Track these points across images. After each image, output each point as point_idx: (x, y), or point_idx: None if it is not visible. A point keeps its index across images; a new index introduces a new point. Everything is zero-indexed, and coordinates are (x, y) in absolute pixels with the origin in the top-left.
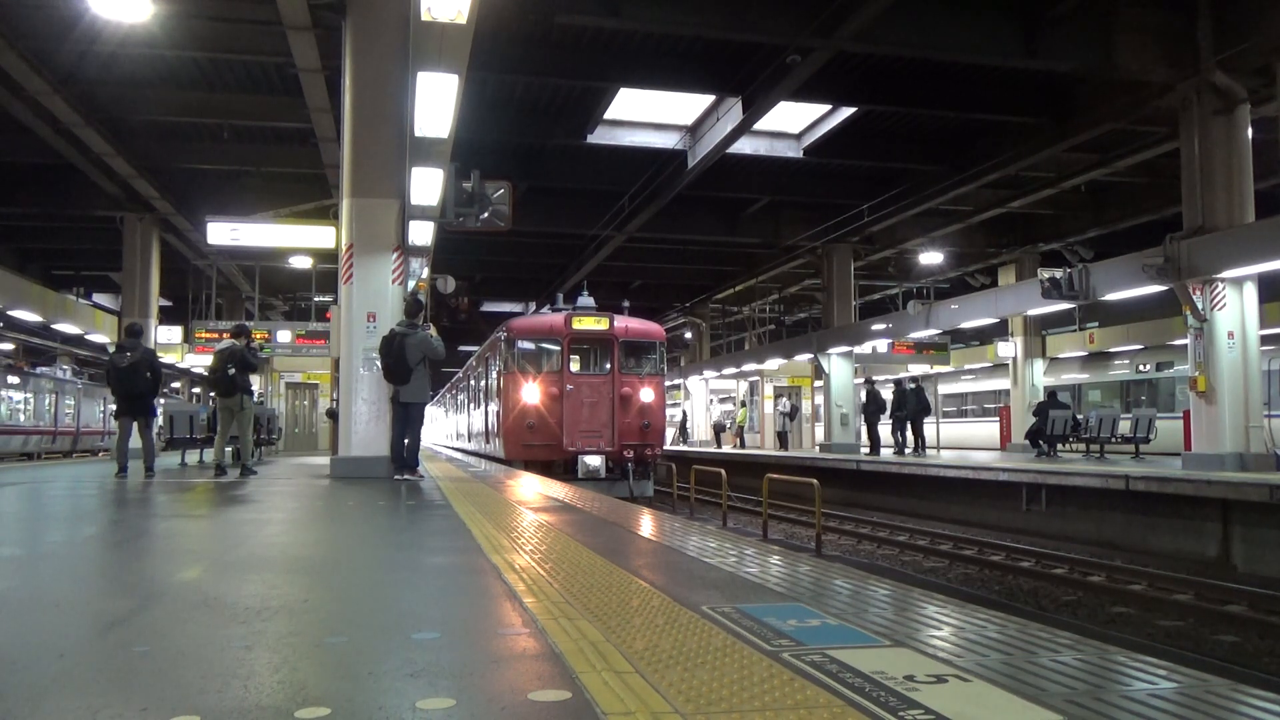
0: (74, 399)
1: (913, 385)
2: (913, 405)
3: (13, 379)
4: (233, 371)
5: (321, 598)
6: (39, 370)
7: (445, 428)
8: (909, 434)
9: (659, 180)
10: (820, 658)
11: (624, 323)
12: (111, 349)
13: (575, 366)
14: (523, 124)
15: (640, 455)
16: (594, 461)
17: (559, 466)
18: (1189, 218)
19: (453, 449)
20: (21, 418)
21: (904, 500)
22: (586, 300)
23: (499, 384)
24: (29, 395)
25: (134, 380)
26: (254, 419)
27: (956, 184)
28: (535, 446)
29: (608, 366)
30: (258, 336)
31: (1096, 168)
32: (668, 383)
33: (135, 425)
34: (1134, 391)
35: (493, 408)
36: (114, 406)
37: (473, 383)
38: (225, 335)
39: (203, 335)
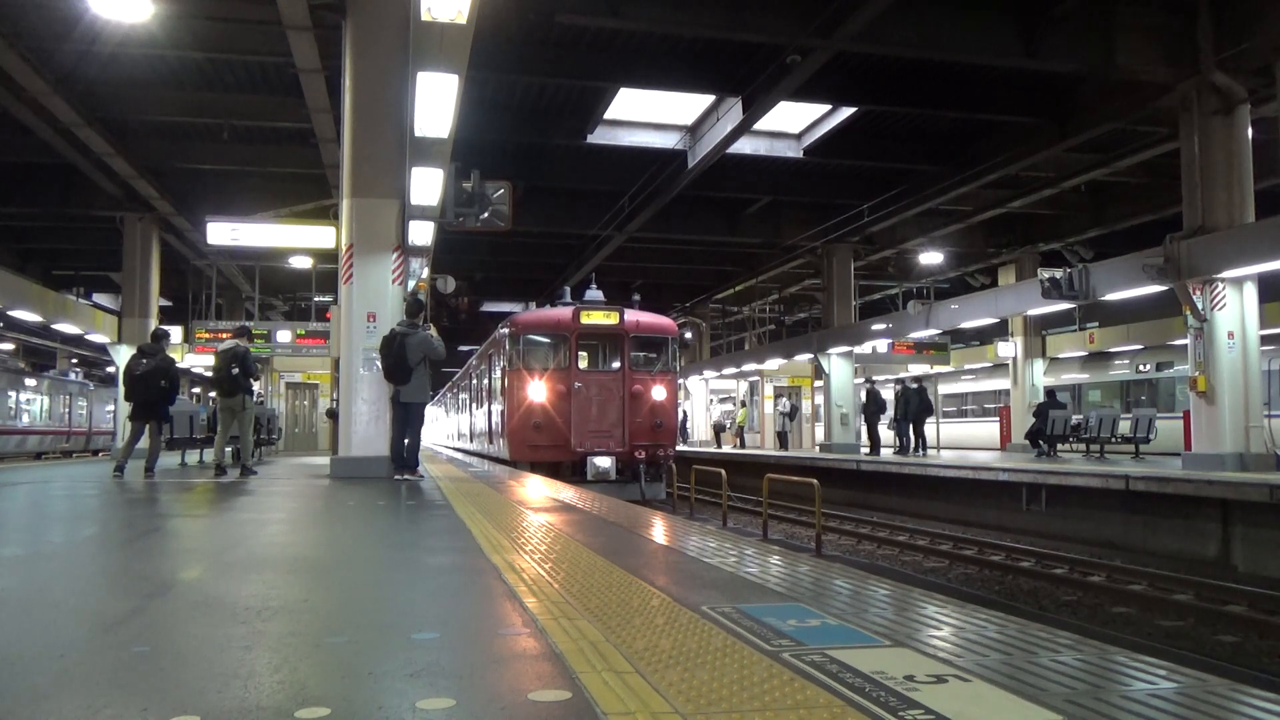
0: (86, 400)
1: (915, 385)
2: (915, 405)
3: (30, 381)
4: (236, 371)
5: (321, 598)
6: (51, 373)
7: (447, 428)
8: (910, 434)
9: (659, 180)
10: (820, 658)
11: (635, 317)
12: (114, 349)
13: (584, 363)
14: (523, 124)
15: (652, 456)
16: (604, 463)
17: (567, 468)
18: (1189, 218)
19: (455, 450)
20: (26, 419)
21: (904, 500)
22: (595, 293)
23: (503, 382)
24: (47, 398)
25: (148, 387)
26: (254, 419)
27: (956, 184)
28: (542, 447)
29: (617, 363)
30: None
31: (1096, 168)
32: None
33: (147, 429)
34: (1134, 391)
35: (497, 407)
36: (125, 407)
37: (475, 381)
38: (226, 335)
39: (203, 335)
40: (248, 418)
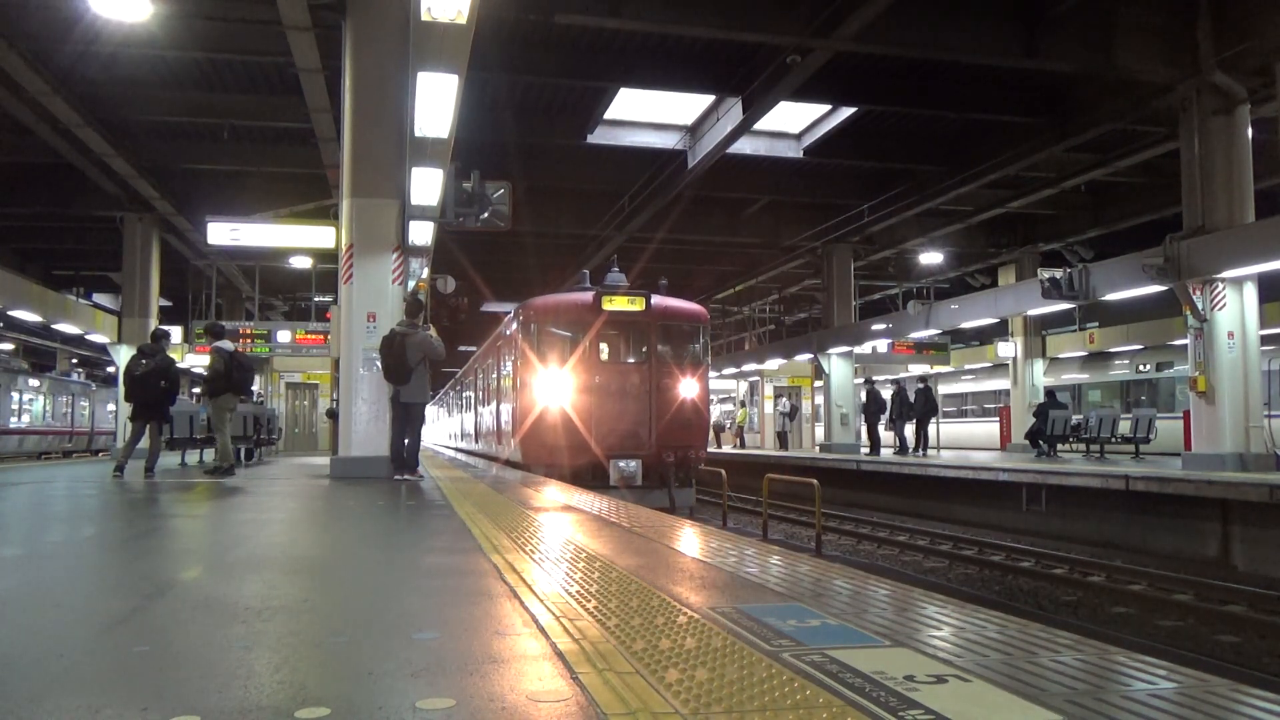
0: (88, 401)
1: (921, 385)
2: (920, 405)
3: (32, 381)
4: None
5: (321, 598)
6: (53, 374)
7: (449, 428)
8: (909, 434)
9: (659, 180)
10: (820, 658)
11: (662, 302)
12: (114, 349)
13: (605, 354)
14: (523, 124)
15: (683, 459)
16: (629, 466)
17: (586, 472)
18: (1189, 218)
19: (459, 452)
20: (27, 419)
21: (904, 500)
22: (617, 276)
23: (515, 376)
24: (48, 398)
25: (148, 387)
26: (225, 418)
27: (956, 184)
28: (558, 449)
29: (644, 354)
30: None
31: (1096, 168)
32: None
33: (147, 429)
34: (1134, 391)
35: (507, 404)
36: (125, 408)
37: (482, 376)
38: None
39: (202, 335)
40: (222, 416)
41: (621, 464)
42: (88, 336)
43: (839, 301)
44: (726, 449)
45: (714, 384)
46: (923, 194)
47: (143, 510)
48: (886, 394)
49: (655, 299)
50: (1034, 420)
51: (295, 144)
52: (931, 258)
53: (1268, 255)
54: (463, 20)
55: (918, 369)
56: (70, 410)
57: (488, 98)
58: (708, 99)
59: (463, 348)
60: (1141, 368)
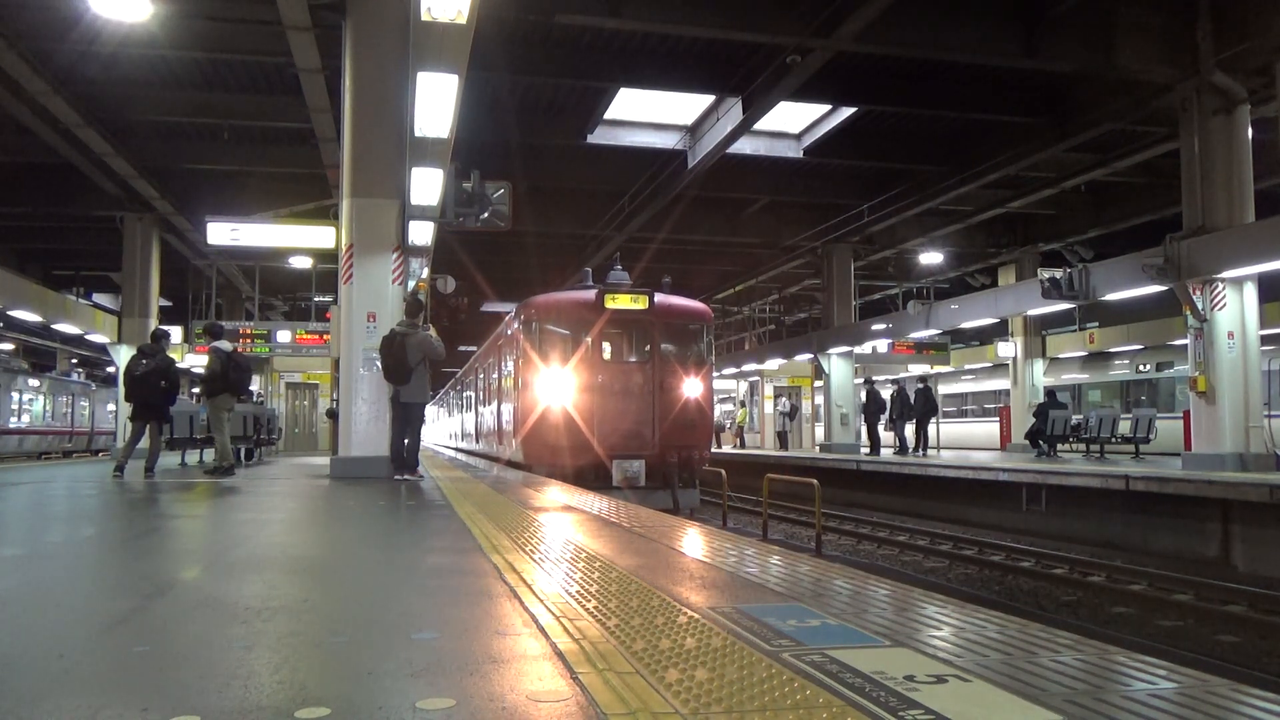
0: (88, 401)
1: (920, 385)
2: (920, 405)
3: (32, 381)
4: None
5: (321, 598)
6: (53, 374)
7: (449, 427)
8: (909, 434)
9: (659, 180)
10: (820, 658)
11: (666, 301)
12: (114, 349)
13: (608, 353)
14: (523, 124)
15: (686, 459)
16: (632, 467)
17: (589, 472)
18: (1189, 218)
19: (459, 451)
20: (27, 419)
21: (904, 500)
22: (620, 275)
23: (517, 375)
24: (49, 398)
25: (148, 387)
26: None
27: (956, 184)
28: (560, 449)
29: (647, 353)
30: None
31: (1096, 168)
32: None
33: (147, 429)
34: (1134, 391)
35: (508, 404)
36: (125, 408)
37: (483, 375)
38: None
39: (201, 335)
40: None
41: (625, 464)
42: (88, 336)
43: (839, 301)
44: (726, 449)
45: (715, 384)
46: (923, 194)
47: (143, 510)
48: (886, 394)
49: (658, 297)
50: (1034, 420)
51: (295, 144)
52: (931, 258)
53: (1268, 255)
54: (463, 20)
55: (918, 369)
56: (70, 410)
57: (488, 98)
58: (708, 99)
59: (463, 348)
60: (1141, 368)
